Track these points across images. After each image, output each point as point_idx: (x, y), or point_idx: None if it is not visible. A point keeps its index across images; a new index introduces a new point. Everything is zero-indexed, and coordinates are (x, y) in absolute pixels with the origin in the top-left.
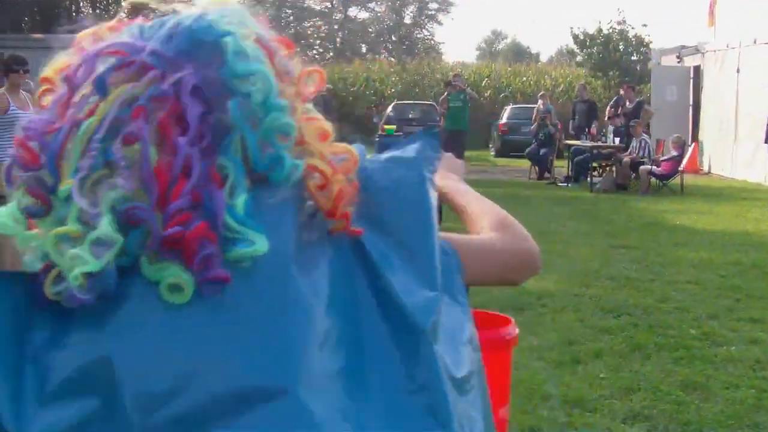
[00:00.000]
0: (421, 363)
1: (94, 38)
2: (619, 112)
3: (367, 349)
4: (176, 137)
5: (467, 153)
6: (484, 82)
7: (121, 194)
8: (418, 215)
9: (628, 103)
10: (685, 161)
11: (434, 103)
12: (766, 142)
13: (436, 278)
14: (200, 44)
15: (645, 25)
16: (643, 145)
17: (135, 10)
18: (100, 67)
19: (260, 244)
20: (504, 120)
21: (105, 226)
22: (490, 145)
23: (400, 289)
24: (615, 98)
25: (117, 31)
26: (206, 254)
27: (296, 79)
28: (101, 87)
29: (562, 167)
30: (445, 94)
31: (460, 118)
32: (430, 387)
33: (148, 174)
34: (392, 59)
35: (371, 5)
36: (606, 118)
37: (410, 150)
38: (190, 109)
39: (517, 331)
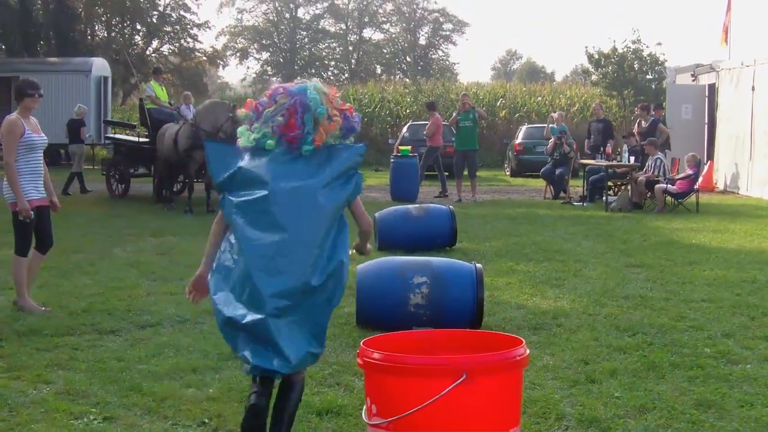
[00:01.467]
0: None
1: (272, 92)
2: (634, 131)
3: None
4: (294, 114)
5: (482, 173)
6: (499, 102)
7: (278, 123)
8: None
9: (643, 122)
10: (700, 180)
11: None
12: None
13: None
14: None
15: (659, 44)
16: (658, 164)
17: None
18: (276, 97)
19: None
20: (519, 140)
21: (265, 132)
22: (505, 165)
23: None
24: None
25: (272, 91)
26: (298, 144)
27: (334, 106)
28: (273, 99)
29: (577, 187)
30: (455, 114)
31: (470, 138)
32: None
33: (286, 121)
34: (407, 80)
35: (386, 26)
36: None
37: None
38: (299, 110)
39: (528, 351)
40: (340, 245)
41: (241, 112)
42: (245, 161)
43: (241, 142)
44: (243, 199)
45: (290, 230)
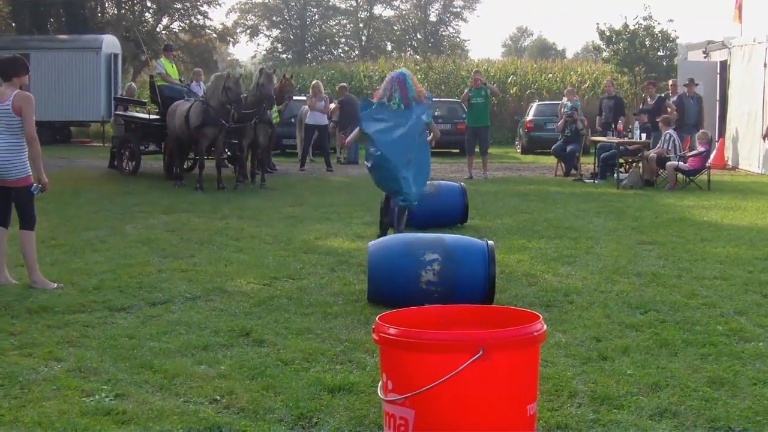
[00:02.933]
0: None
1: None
2: (642, 107)
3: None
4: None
5: (492, 150)
6: (510, 79)
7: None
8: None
9: (649, 99)
10: (712, 157)
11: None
12: None
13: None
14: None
15: (671, 21)
16: (668, 139)
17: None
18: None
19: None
20: (530, 117)
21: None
22: (516, 142)
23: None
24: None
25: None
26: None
27: (416, 83)
28: (390, 85)
29: (588, 164)
30: (467, 91)
31: (482, 115)
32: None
33: (402, 93)
34: (418, 57)
35: (396, 3)
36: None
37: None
38: (400, 85)
39: (545, 327)
40: (425, 142)
41: (376, 96)
42: (378, 111)
43: (375, 105)
44: (382, 126)
45: (407, 147)
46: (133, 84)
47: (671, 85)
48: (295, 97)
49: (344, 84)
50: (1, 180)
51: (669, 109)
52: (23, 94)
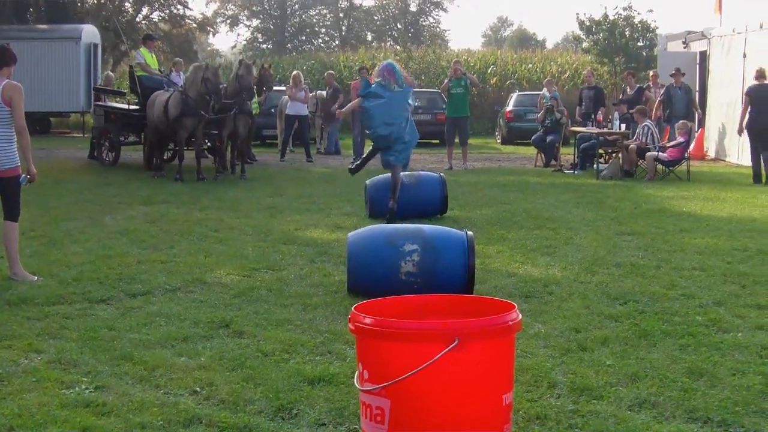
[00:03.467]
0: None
1: (380, 68)
2: (621, 98)
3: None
4: (393, 73)
5: (472, 141)
6: (490, 69)
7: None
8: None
9: (628, 89)
10: (691, 147)
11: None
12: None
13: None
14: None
15: (651, 11)
16: (646, 131)
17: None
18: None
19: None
20: (510, 107)
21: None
22: (496, 133)
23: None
24: (638, 86)
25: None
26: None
27: (406, 74)
28: (381, 73)
29: (568, 154)
30: (446, 81)
31: (462, 105)
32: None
33: (392, 80)
34: (398, 47)
35: None
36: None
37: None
38: (390, 73)
39: (520, 317)
40: (411, 122)
41: (372, 80)
42: (375, 89)
43: (373, 85)
44: (376, 102)
45: (396, 117)
46: (111, 73)
47: (652, 76)
48: (275, 88)
49: (332, 71)
50: None
51: (646, 100)
52: (13, 84)
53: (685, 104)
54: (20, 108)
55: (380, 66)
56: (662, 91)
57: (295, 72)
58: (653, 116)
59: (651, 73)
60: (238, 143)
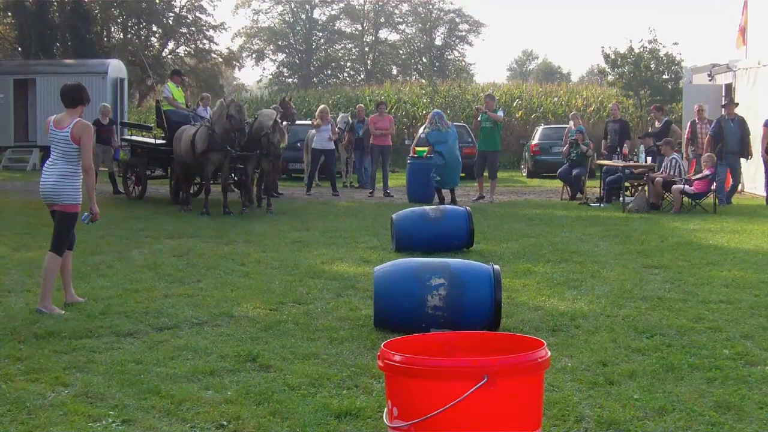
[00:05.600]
0: None
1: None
2: (649, 131)
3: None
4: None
5: (499, 174)
6: (515, 102)
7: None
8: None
9: (657, 123)
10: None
11: (466, 125)
12: None
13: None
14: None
15: (676, 44)
16: (674, 164)
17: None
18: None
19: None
20: (536, 140)
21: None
22: (522, 166)
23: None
24: (665, 119)
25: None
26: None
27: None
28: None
29: (594, 187)
30: (478, 117)
31: (492, 139)
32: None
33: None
34: (423, 81)
35: (402, 27)
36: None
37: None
38: (440, 119)
39: (549, 353)
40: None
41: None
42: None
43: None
44: (444, 145)
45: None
46: (107, 105)
47: (698, 110)
48: (301, 122)
49: (362, 105)
50: (52, 204)
51: (674, 133)
52: (83, 123)
53: (739, 138)
54: (88, 147)
55: (432, 114)
56: (712, 124)
57: (321, 106)
58: (704, 152)
59: (696, 106)
60: (264, 177)
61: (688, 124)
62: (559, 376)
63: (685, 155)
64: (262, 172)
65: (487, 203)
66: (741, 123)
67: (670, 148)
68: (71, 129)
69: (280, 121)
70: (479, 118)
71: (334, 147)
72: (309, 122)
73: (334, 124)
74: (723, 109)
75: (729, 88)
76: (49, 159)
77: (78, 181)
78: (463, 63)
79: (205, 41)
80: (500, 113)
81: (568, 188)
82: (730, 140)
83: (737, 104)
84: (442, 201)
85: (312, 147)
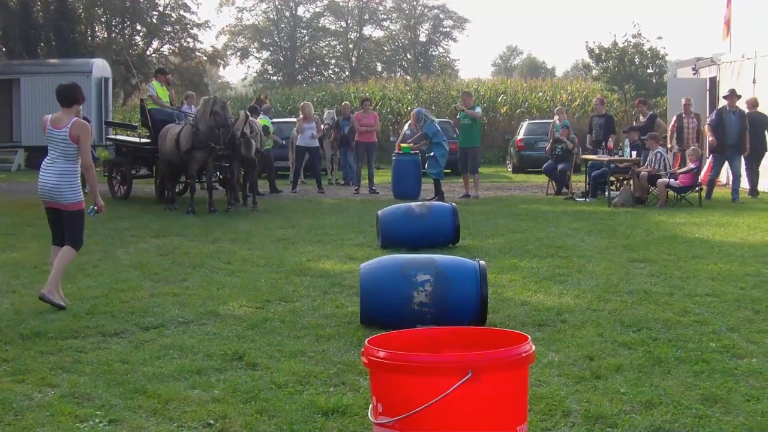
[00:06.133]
0: None
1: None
2: (633, 125)
3: None
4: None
5: (483, 170)
6: (500, 98)
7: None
8: None
9: (641, 117)
10: (702, 173)
11: (451, 121)
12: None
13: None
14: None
15: (660, 38)
16: (659, 158)
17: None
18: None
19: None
20: (521, 136)
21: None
22: (507, 161)
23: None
24: (650, 113)
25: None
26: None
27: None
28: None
29: (579, 182)
30: (457, 115)
31: (471, 135)
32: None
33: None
34: (408, 77)
35: (386, 23)
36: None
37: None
38: (417, 118)
39: (533, 348)
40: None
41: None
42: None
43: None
44: (439, 137)
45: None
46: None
47: (684, 104)
48: (287, 119)
49: (347, 102)
50: (54, 203)
51: (659, 127)
52: (81, 123)
53: (739, 130)
54: (87, 146)
55: (416, 111)
56: (712, 115)
57: (303, 103)
58: (709, 146)
59: (683, 100)
60: (250, 176)
61: (674, 117)
62: (546, 370)
63: (669, 147)
64: (247, 171)
65: (472, 199)
66: (741, 116)
67: (655, 142)
68: (69, 128)
69: (249, 114)
70: (458, 116)
71: (318, 144)
72: (294, 120)
73: (319, 120)
74: (725, 100)
75: (713, 82)
76: (47, 158)
77: (77, 178)
78: (448, 59)
79: (189, 39)
80: (478, 110)
81: (554, 183)
82: (731, 132)
83: (740, 96)
84: (442, 196)
85: (296, 144)
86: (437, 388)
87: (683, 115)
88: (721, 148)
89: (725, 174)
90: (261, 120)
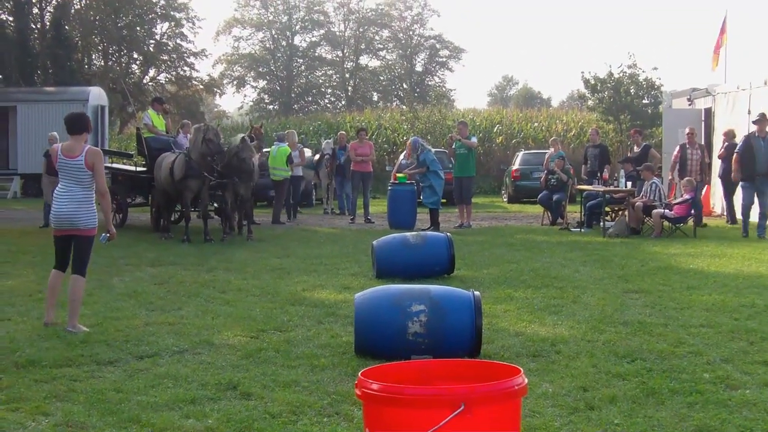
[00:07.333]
0: None
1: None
2: (629, 156)
3: None
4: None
5: (479, 199)
6: (495, 128)
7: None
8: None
9: (635, 147)
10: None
11: (446, 150)
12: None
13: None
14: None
15: (656, 68)
16: (653, 188)
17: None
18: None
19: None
20: (516, 166)
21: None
22: (503, 191)
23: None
24: (644, 144)
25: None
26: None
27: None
28: (416, 147)
29: (574, 212)
30: (452, 145)
31: (466, 165)
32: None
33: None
34: (404, 107)
35: (382, 53)
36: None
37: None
38: (413, 147)
39: (526, 381)
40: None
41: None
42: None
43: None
44: (436, 167)
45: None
46: (55, 133)
47: (688, 134)
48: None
49: (343, 132)
50: (72, 228)
51: (653, 158)
52: (95, 151)
53: None
54: (101, 172)
55: (412, 141)
56: (740, 143)
57: (288, 131)
58: (734, 176)
59: (687, 129)
60: (247, 206)
61: (677, 148)
62: (540, 401)
63: (671, 179)
64: (242, 200)
65: (466, 228)
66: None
67: (650, 172)
68: (84, 156)
69: (248, 139)
70: (453, 146)
71: (300, 173)
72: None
73: (302, 149)
74: (754, 125)
75: (708, 113)
76: (61, 186)
77: (92, 204)
78: (444, 89)
79: (185, 68)
80: (474, 139)
81: (549, 213)
82: (760, 160)
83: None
84: (437, 226)
85: None
86: (430, 420)
87: (687, 146)
88: (751, 177)
89: (719, 204)
90: (281, 149)
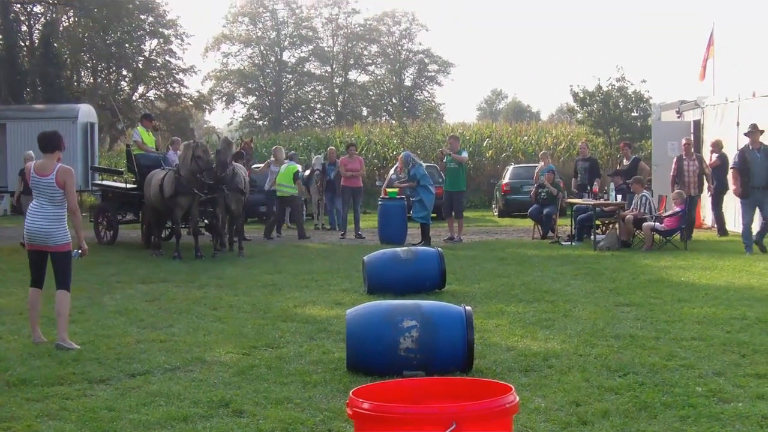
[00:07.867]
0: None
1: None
2: (618, 169)
3: None
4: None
5: (469, 213)
6: (485, 142)
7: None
8: None
9: (625, 160)
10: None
11: (436, 165)
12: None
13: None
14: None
15: (644, 81)
16: (644, 201)
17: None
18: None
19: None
20: (506, 180)
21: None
22: (493, 205)
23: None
24: (633, 156)
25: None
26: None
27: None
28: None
29: (565, 226)
30: (443, 159)
31: (457, 180)
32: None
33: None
34: (393, 121)
35: (371, 68)
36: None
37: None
38: (405, 161)
39: (517, 399)
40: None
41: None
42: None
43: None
44: (427, 181)
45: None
46: (31, 152)
47: (685, 144)
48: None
49: (333, 147)
50: (43, 245)
51: (642, 170)
52: (66, 169)
53: (766, 170)
54: (73, 191)
55: (404, 155)
56: (734, 156)
57: (275, 147)
58: (735, 191)
59: (684, 141)
60: (238, 221)
61: (674, 159)
62: (533, 416)
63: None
64: (233, 216)
65: (456, 242)
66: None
67: (640, 185)
68: (56, 175)
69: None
70: (444, 160)
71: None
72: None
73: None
74: (746, 137)
75: (697, 125)
76: (34, 203)
77: (65, 221)
78: (433, 103)
79: (175, 85)
80: (464, 154)
81: (540, 227)
82: (757, 173)
83: (762, 131)
84: (428, 241)
85: (265, 189)
86: None
87: (683, 157)
88: (747, 192)
89: (710, 216)
90: (289, 166)
